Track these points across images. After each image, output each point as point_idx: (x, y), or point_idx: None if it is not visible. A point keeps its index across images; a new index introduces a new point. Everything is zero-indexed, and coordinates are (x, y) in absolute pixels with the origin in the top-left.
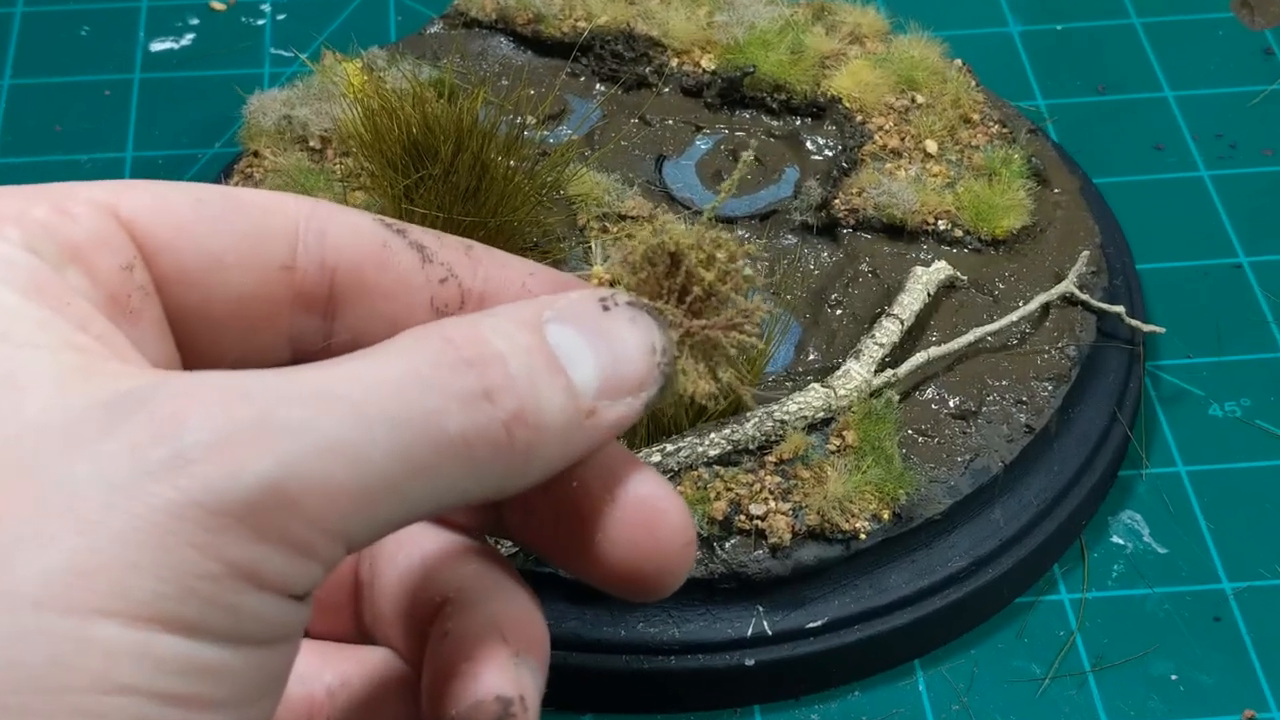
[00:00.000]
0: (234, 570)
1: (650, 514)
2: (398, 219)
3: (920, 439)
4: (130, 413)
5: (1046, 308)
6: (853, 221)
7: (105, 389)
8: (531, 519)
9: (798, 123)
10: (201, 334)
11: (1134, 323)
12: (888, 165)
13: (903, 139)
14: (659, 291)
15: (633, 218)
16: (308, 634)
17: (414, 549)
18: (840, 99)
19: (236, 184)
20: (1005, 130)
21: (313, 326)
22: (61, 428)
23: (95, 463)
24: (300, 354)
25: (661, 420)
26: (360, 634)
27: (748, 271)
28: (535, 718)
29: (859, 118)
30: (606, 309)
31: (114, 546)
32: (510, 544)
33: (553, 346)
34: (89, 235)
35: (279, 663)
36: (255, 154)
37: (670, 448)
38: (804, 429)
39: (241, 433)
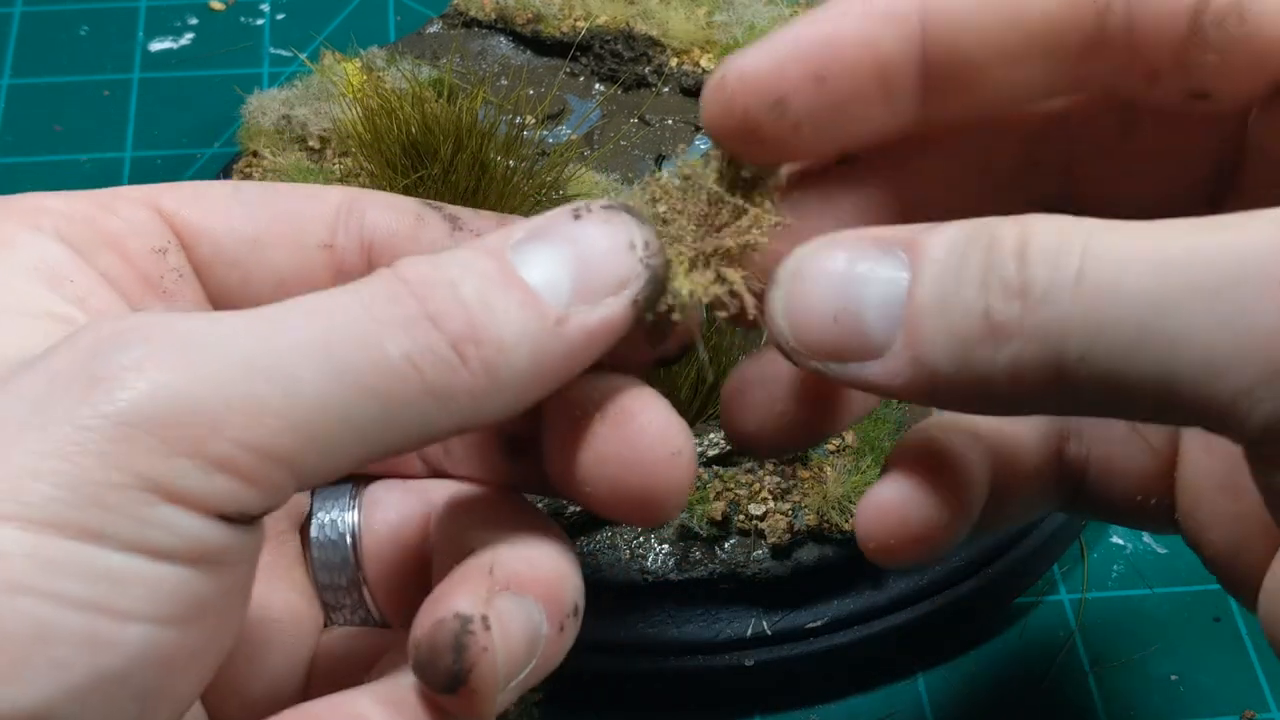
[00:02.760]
0: (143, 481)
1: (631, 424)
2: None
3: None
4: (57, 348)
5: None
6: None
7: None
8: (553, 456)
9: None
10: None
11: None
12: None
13: None
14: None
15: None
16: (390, 625)
17: (457, 511)
18: None
19: None
20: None
21: None
22: (4, 374)
23: (18, 389)
24: None
25: None
26: None
27: (773, 220)
28: (514, 650)
29: None
30: (578, 216)
31: (20, 457)
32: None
33: (517, 264)
34: (125, 224)
35: (212, 587)
36: (254, 154)
37: None
38: None
39: (158, 352)
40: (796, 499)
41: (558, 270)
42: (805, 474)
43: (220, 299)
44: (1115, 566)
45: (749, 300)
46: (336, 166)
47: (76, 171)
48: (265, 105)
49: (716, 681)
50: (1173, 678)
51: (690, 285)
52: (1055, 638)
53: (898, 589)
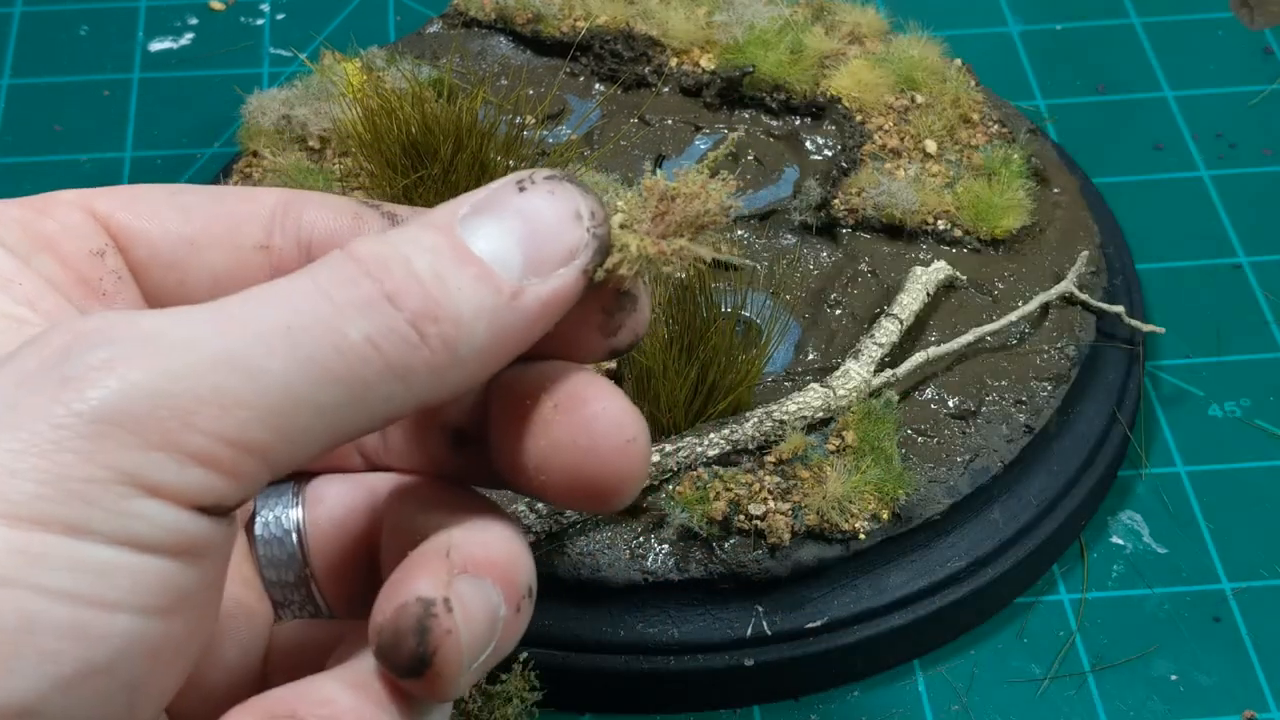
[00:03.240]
0: (121, 475)
1: (584, 410)
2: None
3: (920, 439)
4: (22, 350)
5: (1046, 308)
6: (852, 221)
7: (16, 345)
8: (500, 447)
9: (797, 122)
10: None
11: (1134, 323)
12: (887, 165)
13: (902, 139)
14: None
15: None
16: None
17: (404, 503)
18: (840, 99)
19: (235, 184)
20: (1005, 130)
21: None
22: None
23: None
24: None
25: (660, 421)
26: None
27: (725, 203)
28: (475, 631)
29: (858, 117)
30: (523, 188)
31: None
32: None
33: (465, 238)
34: (60, 227)
35: (192, 578)
36: (254, 154)
37: (669, 448)
38: (803, 429)
39: (126, 351)
40: (796, 499)
41: (507, 243)
42: (805, 474)
43: (157, 301)
44: (1115, 566)
45: (702, 252)
46: (336, 166)
47: (76, 171)
48: (265, 105)
49: (716, 681)
50: (1173, 678)
51: (639, 242)
52: (1055, 638)
53: (898, 589)
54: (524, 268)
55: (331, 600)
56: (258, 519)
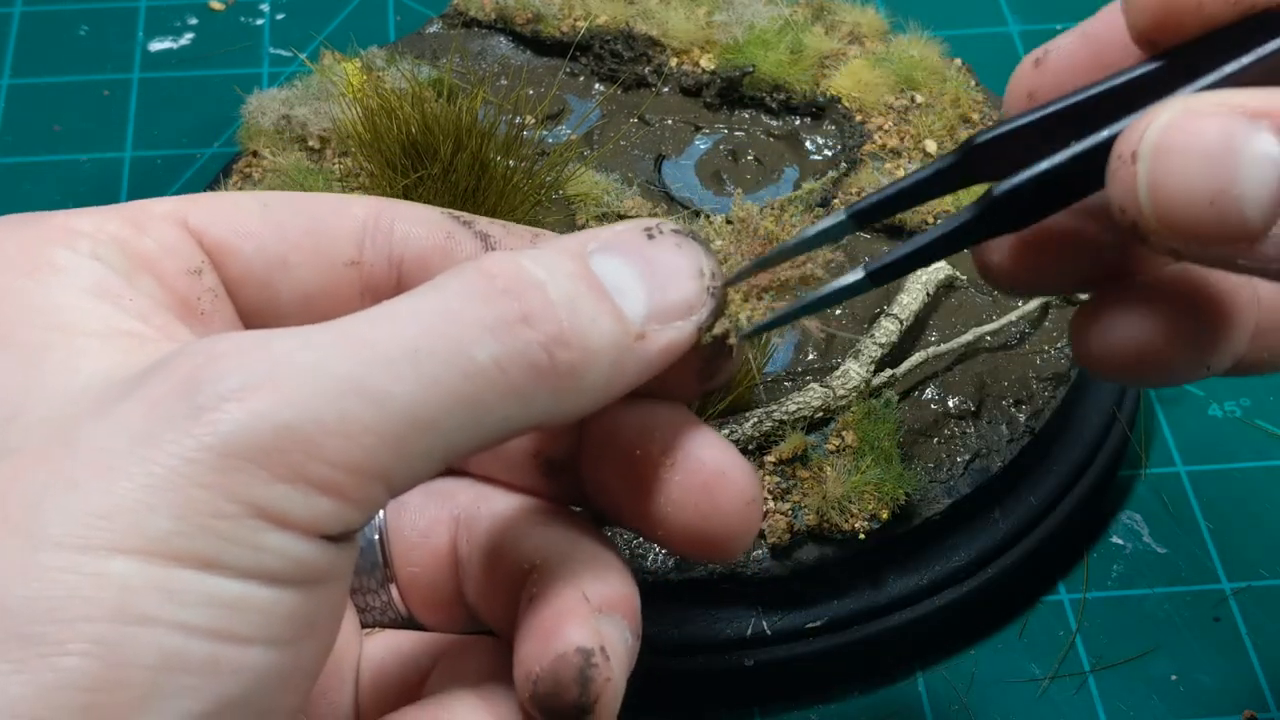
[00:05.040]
0: (252, 509)
1: (710, 476)
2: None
3: (920, 439)
4: (153, 375)
5: (1046, 307)
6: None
7: (143, 363)
8: (600, 483)
9: (797, 122)
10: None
11: None
12: (887, 165)
13: (902, 139)
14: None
15: (632, 218)
16: (421, 626)
17: (499, 519)
18: (840, 99)
19: (235, 184)
20: None
21: None
22: (97, 397)
23: (119, 420)
24: None
25: None
26: (467, 615)
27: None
28: (622, 671)
29: (858, 117)
30: (651, 237)
31: (131, 491)
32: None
33: (598, 274)
34: (158, 245)
35: (319, 605)
36: (254, 154)
37: None
38: (803, 429)
39: (254, 381)
40: (796, 499)
41: (635, 287)
42: (805, 474)
43: (249, 317)
44: (1115, 566)
45: (812, 326)
46: (336, 166)
47: (76, 171)
48: (265, 105)
49: (716, 681)
50: (1173, 678)
51: (748, 312)
52: (1055, 638)
53: (898, 589)
54: (648, 314)
55: (412, 606)
56: None
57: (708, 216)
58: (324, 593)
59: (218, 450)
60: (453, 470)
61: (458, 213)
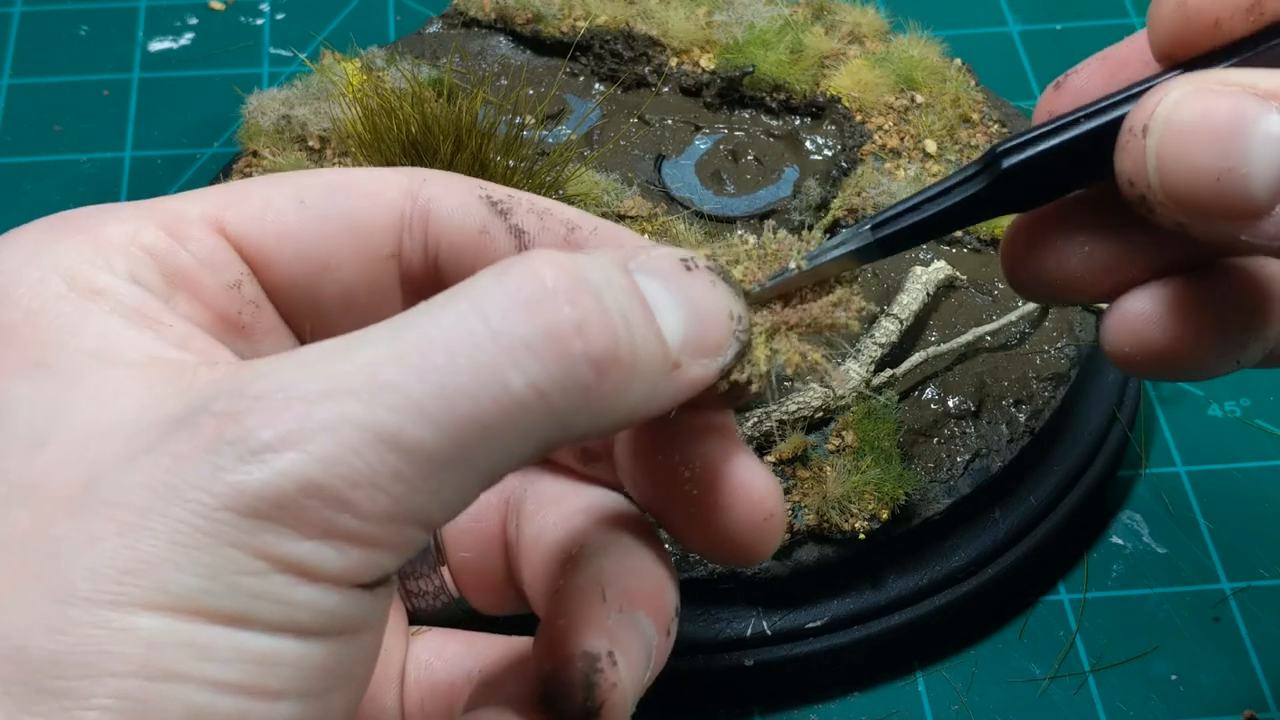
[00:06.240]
0: (280, 565)
1: (723, 487)
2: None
3: (920, 439)
4: (180, 426)
5: (1045, 307)
6: (852, 221)
7: (173, 404)
8: (630, 476)
9: (797, 122)
10: (319, 329)
11: None
12: (887, 165)
13: (902, 138)
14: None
15: (632, 218)
16: (475, 611)
17: (543, 504)
18: (839, 99)
19: None
20: (1005, 130)
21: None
22: (125, 438)
23: (143, 471)
24: None
25: None
26: (518, 597)
27: (856, 307)
28: (635, 674)
29: (858, 117)
30: (689, 269)
31: (155, 547)
32: None
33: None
34: (195, 259)
35: (353, 654)
36: (254, 153)
37: None
38: (803, 429)
39: (278, 436)
40: (796, 499)
41: (674, 315)
42: (805, 474)
43: (291, 318)
44: (1115, 566)
45: (834, 375)
46: (336, 166)
47: (76, 171)
48: (265, 105)
49: (716, 681)
50: (1173, 678)
51: (769, 353)
52: (1055, 638)
53: (898, 589)
54: (683, 345)
55: (465, 589)
56: None
57: (742, 237)
58: (359, 639)
59: (244, 510)
60: None
61: (493, 190)
